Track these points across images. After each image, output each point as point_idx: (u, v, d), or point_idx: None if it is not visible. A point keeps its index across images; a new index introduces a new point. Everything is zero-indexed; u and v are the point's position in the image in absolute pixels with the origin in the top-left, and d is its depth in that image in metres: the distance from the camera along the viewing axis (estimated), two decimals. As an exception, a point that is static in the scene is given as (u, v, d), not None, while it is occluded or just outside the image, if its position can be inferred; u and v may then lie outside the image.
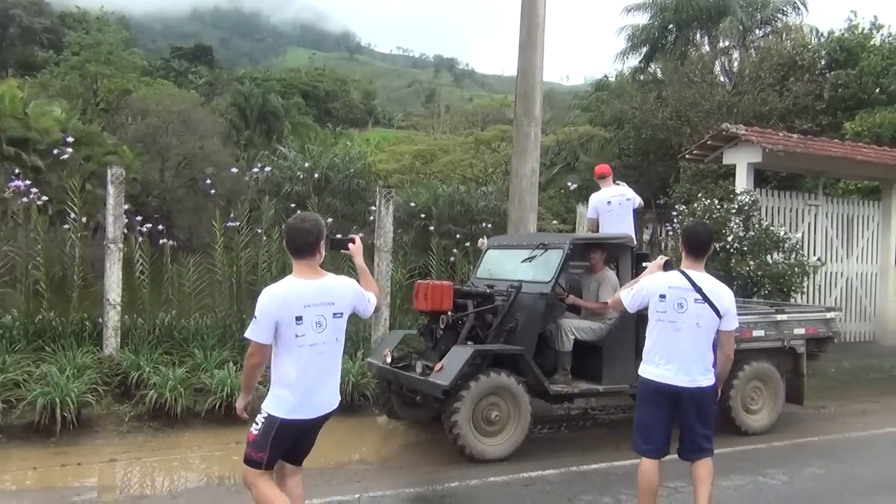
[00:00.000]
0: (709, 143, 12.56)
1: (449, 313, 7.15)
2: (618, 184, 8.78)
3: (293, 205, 10.39)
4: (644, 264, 6.92)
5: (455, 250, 11.35)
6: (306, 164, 16.06)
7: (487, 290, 7.47)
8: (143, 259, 9.15)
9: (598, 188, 8.80)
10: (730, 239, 10.32)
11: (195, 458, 6.96)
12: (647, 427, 4.72)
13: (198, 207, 38.72)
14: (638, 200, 8.58)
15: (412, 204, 12.42)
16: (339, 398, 4.15)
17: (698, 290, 4.63)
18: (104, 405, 7.45)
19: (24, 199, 8.88)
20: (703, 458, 4.70)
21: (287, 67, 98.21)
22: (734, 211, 10.68)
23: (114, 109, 51.30)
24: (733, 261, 10.29)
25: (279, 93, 65.30)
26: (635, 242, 7.88)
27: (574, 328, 7.37)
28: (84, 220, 8.96)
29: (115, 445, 6.96)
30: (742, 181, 11.92)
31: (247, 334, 3.93)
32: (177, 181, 42.14)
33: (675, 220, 11.77)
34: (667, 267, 4.85)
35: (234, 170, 20.44)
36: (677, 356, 4.62)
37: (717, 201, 11.08)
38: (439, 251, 11.03)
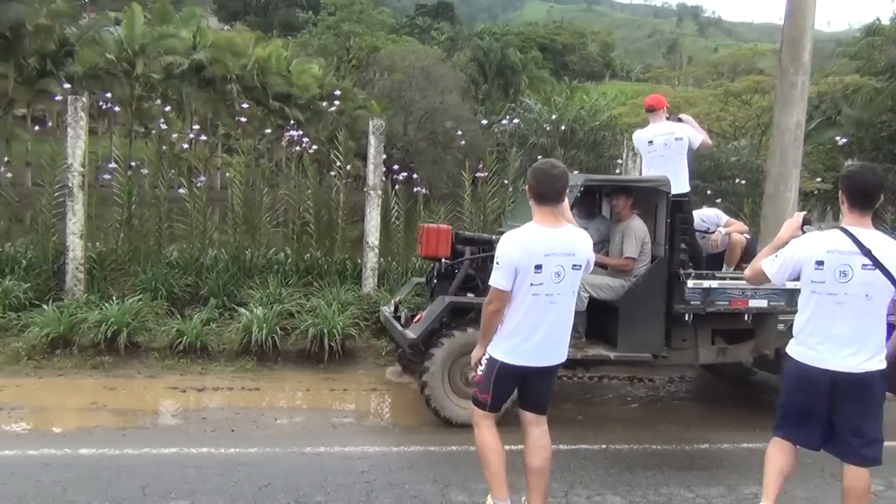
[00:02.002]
0: None
1: (444, 260, 6.64)
2: (676, 119, 7.26)
3: (539, 156, 10.41)
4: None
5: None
6: (553, 117, 15.99)
7: (493, 238, 6.78)
8: (398, 205, 9.69)
9: None
10: None
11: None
12: (793, 418, 3.94)
13: (437, 159, 40.34)
14: (698, 139, 6.98)
15: (661, 158, 11.91)
16: (567, 352, 4.05)
17: (867, 253, 3.68)
18: (363, 339, 8.04)
19: (297, 148, 9.72)
20: (859, 467, 3.79)
21: (525, 21, 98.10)
22: None
23: (363, 66, 54.59)
24: None
25: (517, 47, 65.63)
26: (670, 186, 6.28)
27: (588, 285, 6.23)
28: (349, 168, 9.60)
29: (374, 376, 7.51)
30: None
31: (490, 282, 3.86)
32: (419, 134, 44.05)
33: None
34: (804, 225, 4.02)
35: (484, 122, 20.86)
36: (838, 335, 3.74)
37: None
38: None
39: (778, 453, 4.00)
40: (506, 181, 9.89)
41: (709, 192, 11.24)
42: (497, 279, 3.81)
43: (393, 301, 7.21)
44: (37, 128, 28.15)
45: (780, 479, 3.98)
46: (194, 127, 15.81)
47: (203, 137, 14.29)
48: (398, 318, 6.69)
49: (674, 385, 7.90)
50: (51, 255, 8.64)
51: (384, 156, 9.29)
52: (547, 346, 3.93)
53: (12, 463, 4.76)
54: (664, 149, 6.82)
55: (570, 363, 6.53)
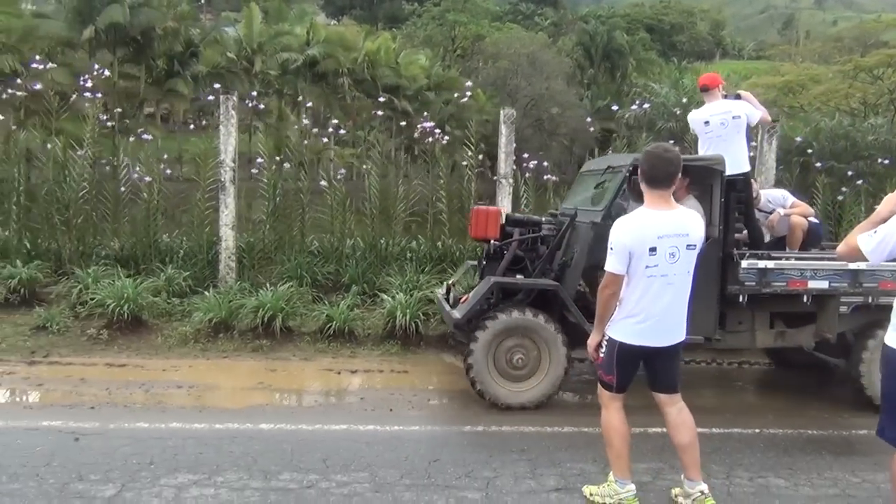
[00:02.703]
0: None
1: (492, 242, 6.59)
2: (733, 97, 6.92)
3: (671, 141, 10.31)
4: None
5: (844, 189, 10.40)
6: (684, 100, 15.65)
7: (542, 220, 6.70)
8: (527, 193, 9.82)
9: None
10: None
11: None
12: None
13: (543, 146, 40.17)
14: (756, 116, 6.68)
15: (798, 139, 11.52)
16: (686, 331, 4.09)
17: None
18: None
19: (429, 140, 9.99)
20: None
21: (630, 2, 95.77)
22: None
23: (468, 55, 54.79)
24: None
25: (623, 29, 64.20)
26: (724, 165, 6.01)
27: None
28: (481, 157, 9.78)
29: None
30: None
31: (606, 266, 3.96)
32: (524, 121, 43.89)
33: None
34: None
35: (616, 108, 20.45)
36: None
37: None
38: (825, 190, 10.21)
39: None
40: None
41: (849, 173, 10.79)
42: (612, 264, 3.94)
43: (445, 283, 7.32)
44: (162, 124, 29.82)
45: None
46: (304, 122, 16.41)
47: (315, 130, 14.84)
48: (448, 300, 6.74)
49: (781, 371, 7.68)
50: (205, 246, 9.24)
51: (490, 146, 9.40)
52: (665, 326, 4.02)
53: (204, 435, 5.20)
54: (721, 128, 6.62)
55: None
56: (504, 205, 9.14)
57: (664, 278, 3.93)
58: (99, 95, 10.14)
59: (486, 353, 5.93)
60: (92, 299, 7.83)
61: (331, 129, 14.00)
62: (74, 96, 10.57)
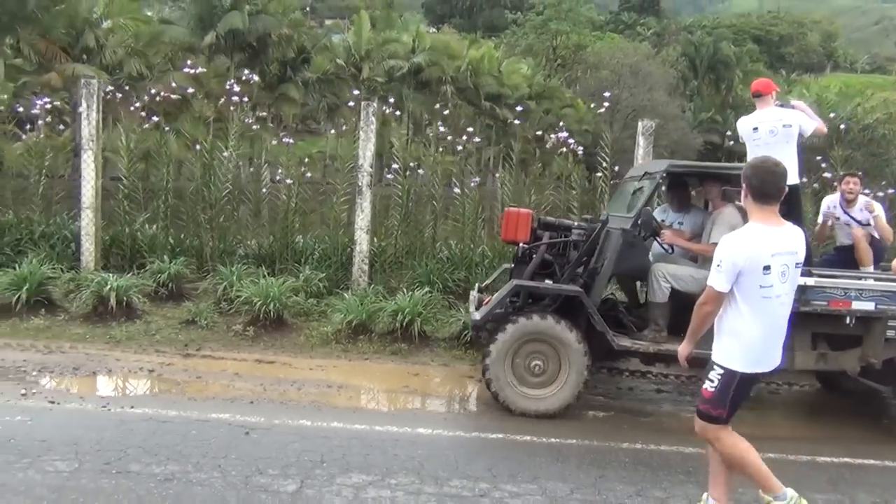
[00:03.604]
0: None
1: (521, 244, 6.36)
2: (789, 106, 6.60)
3: (818, 157, 9.92)
4: None
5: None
6: (831, 115, 15.07)
7: (574, 224, 6.52)
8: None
9: None
10: None
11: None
12: None
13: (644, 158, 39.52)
14: (811, 127, 6.32)
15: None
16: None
17: None
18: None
19: (563, 150, 9.93)
20: None
21: (735, 12, 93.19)
22: None
23: (569, 64, 54.49)
24: None
25: (730, 40, 62.58)
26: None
27: (670, 275, 5.95)
28: (615, 167, 9.65)
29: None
30: None
31: (709, 283, 3.81)
32: (624, 133, 43.26)
33: None
34: None
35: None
36: None
37: None
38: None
39: None
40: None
41: None
42: (718, 280, 3.76)
43: (478, 284, 7.22)
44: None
45: None
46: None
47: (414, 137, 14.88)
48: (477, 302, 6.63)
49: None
50: (339, 248, 9.43)
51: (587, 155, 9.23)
52: (776, 348, 3.90)
53: (366, 436, 5.28)
54: (770, 136, 6.32)
55: (647, 358, 6.47)
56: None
57: (778, 299, 3.79)
58: (246, 100, 10.48)
59: (503, 357, 5.83)
60: (237, 297, 8.09)
61: (431, 134, 14.02)
62: (222, 100, 10.89)
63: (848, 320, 5.78)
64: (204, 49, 30.48)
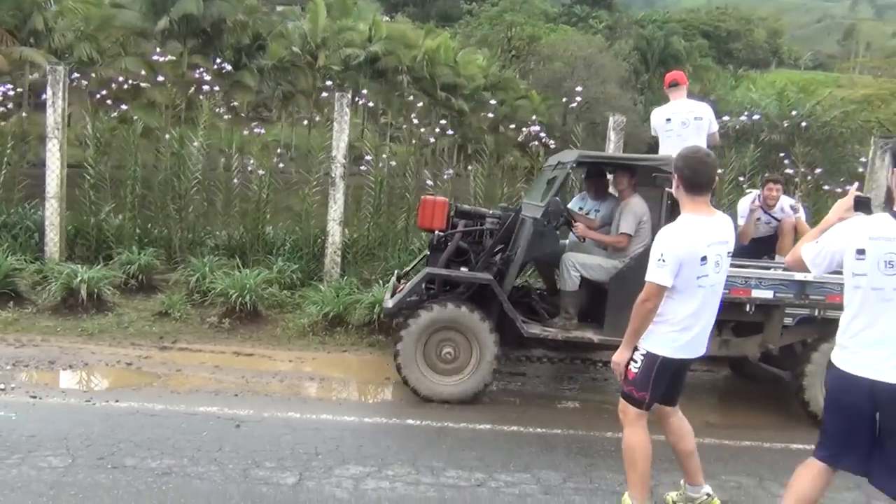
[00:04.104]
0: None
1: (437, 232, 6.48)
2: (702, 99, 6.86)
3: (781, 154, 10.22)
4: None
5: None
6: (794, 112, 15.44)
7: (490, 212, 6.66)
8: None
9: None
10: None
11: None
12: (836, 438, 3.37)
13: (596, 149, 40.02)
14: (714, 126, 6.61)
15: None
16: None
17: None
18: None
19: (535, 143, 10.04)
20: None
21: (684, 7, 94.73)
22: None
23: (523, 56, 54.72)
24: None
25: (680, 34, 63.64)
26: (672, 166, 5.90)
27: (579, 264, 6.15)
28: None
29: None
30: None
31: (651, 278, 3.74)
32: (578, 124, 43.71)
33: None
34: (858, 207, 3.44)
35: (727, 118, 20.00)
36: (885, 339, 3.19)
37: None
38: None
39: (806, 477, 3.46)
40: (741, 178, 9.76)
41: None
42: (661, 275, 3.72)
43: (396, 272, 7.36)
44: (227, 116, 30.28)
45: None
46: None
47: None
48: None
49: None
50: (311, 240, 9.39)
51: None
52: (704, 337, 3.93)
53: (357, 427, 5.34)
54: (682, 127, 6.51)
55: (557, 345, 6.73)
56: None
57: (712, 288, 3.83)
58: (217, 89, 10.32)
59: (415, 344, 5.93)
60: (211, 289, 8.01)
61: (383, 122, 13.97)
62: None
63: (748, 308, 6.03)
64: (157, 34, 29.79)
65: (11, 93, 10.39)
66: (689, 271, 3.72)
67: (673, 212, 5.84)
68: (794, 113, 15.19)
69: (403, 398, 6.19)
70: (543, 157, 10.04)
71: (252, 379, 6.36)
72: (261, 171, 9.50)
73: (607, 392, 6.88)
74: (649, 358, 3.85)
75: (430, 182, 9.80)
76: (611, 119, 9.38)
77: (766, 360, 6.53)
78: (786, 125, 15.05)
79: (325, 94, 33.62)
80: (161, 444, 4.72)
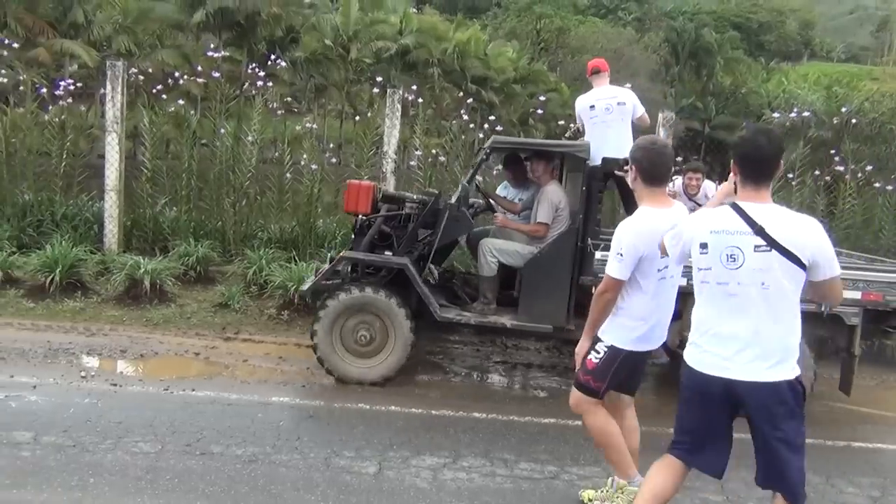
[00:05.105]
0: None
1: (361, 216, 6.50)
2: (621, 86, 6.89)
3: (832, 151, 10.18)
4: None
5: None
6: (843, 109, 15.26)
7: (415, 197, 6.69)
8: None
9: None
10: None
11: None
12: (690, 435, 3.36)
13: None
14: (640, 110, 6.63)
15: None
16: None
17: (759, 231, 3.05)
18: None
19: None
20: (782, 495, 3.18)
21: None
22: None
23: (552, 48, 54.51)
24: None
25: (711, 27, 62.93)
26: (589, 154, 6.11)
27: (497, 249, 6.25)
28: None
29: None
30: None
31: (609, 272, 3.74)
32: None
33: None
34: None
35: (777, 113, 19.75)
36: (731, 334, 3.13)
37: None
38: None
39: (660, 473, 3.42)
40: (790, 175, 9.75)
41: None
42: (619, 269, 3.71)
43: (329, 255, 7.37)
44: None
45: None
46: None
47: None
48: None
49: None
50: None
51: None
52: (663, 328, 3.93)
53: (426, 420, 5.47)
54: (606, 113, 6.52)
55: (473, 329, 6.91)
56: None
57: (672, 279, 3.84)
58: (271, 84, 10.48)
59: (330, 330, 6.05)
60: (268, 281, 8.17)
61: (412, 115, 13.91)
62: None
63: None
64: (192, 27, 30.11)
65: (72, 87, 10.56)
66: (648, 264, 3.73)
67: (589, 196, 6.09)
68: (843, 109, 15.03)
69: (467, 392, 6.31)
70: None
71: (317, 370, 6.48)
72: (313, 166, 9.65)
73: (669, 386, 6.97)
74: (613, 351, 3.85)
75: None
76: (660, 115, 9.40)
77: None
78: (835, 122, 14.89)
79: (356, 87, 33.45)
80: (242, 431, 4.89)
